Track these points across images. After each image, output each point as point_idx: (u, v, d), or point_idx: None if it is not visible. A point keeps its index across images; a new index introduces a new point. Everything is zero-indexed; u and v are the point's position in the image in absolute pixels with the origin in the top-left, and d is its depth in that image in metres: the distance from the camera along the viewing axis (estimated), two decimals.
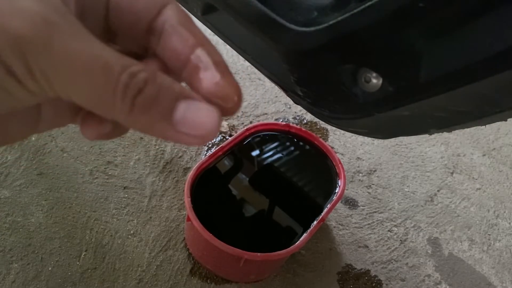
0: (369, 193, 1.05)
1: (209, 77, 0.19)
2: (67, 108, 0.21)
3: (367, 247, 0.94)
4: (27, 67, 0.15)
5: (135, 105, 0.16)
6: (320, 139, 0.91)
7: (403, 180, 1.11)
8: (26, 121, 0.20)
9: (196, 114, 0.17)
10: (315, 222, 0.76)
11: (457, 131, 1.28)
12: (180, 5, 0.21)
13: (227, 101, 0.19)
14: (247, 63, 1.27)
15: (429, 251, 0.97)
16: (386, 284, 0.89)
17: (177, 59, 0.19)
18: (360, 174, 1.08)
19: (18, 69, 0.15)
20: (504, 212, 1.11)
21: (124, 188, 0.89)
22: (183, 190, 0.83)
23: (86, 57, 0.15)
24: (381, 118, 0.39)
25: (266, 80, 0.95)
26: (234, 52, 0.53)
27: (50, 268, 0.75)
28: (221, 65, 0.19)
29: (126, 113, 0.16)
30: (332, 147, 1.10)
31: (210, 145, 1.02)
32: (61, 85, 0.16)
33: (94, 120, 0.19)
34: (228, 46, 0.52)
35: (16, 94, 0.16)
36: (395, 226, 1.00)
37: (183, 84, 0.20)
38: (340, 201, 0.99)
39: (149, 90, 0.17)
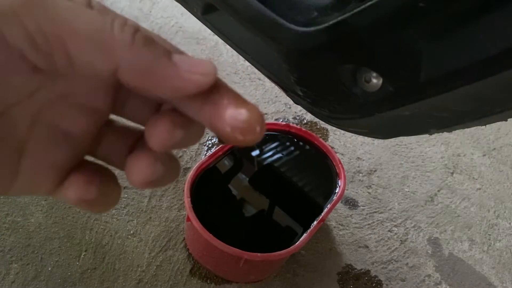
0: (369, 193, 1.05)
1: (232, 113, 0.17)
2: (49, 169, 0.20)
3: (367, 247, 0.94)
4: (29, 39, 0.16)
5: (136, 38, 0.17)
6: (320, 139, 0.91)
7: (403, 180, 1.11)
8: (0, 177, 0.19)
9: (193, 59, 0.17)
10: (315, 222, 0.76)
11: (457, 131, 1.28)
12: None
13: (249, 132, 0.17)
14: (247, 63, 1.27)
15: (429, 251, 0.97)
16: (386, 284, 0.89)
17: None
18: (360, 174, 1.08)
19: (22, 43, 0.16)
20: (505, 212, 1.11)
21: (124, 188, 0.89)
22: (183, 190, 0.83)
23: (79, 8, 0.16)
24: (381, 118, 0.39)
25: (266, 80, 0.95)
26: (234, 52, 0.53)
27: (49, 268, 0.75)
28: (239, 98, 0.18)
29: (129, 45, 0.16)
30: (332, 147, 1.10)
31: (210, 145, 1.02)
32: (59, 38, 0.16)
33: (145, 160, 0.19)
34: (228, 46, 0.52)
35: (16, 71, 0.16)
36: (395, 226, 1.00)
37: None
38: (340, 201, 0.99)
39: (145, 30, 0.17)
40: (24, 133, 0.19)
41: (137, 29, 0.17)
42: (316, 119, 1.13)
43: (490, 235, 1.05)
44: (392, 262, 0.93)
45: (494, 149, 1.27)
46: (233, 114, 0.17)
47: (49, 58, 0.16)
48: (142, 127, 0.21)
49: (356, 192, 1.04)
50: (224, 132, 0.17)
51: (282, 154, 0.89)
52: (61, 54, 0.16)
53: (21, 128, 0.18)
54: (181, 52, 0.18)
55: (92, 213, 0.84)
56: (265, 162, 0.87)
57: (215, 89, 0.17)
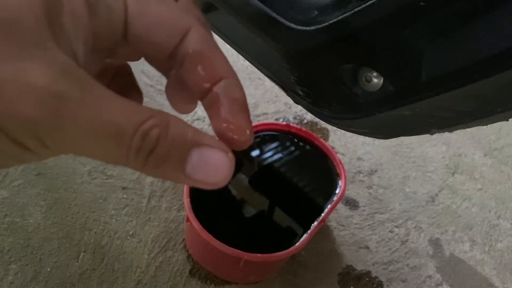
0: (370, 193, 1.04)
1: (224, 115, 0.20)
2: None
3: (368, 248, 0.94)
4: (39, 141, 0.16)
5: (148, 162, 0.17)
6: (321, 139, 0.91)
7: (404, 180, 1.10)
8: None
9: (209, 162, 0.18)
10: (315, 223, 0.75)
11: (458, 131, 1.27)
12: (205, 27, 0.20)
13: (234, 143, 0.20)
14: (247, 63, 1.27)
15: (430, 252, 0.97)
16: (387, 285, 0.89)
17: (199, 88, 0.20)
18: (361, 175, 1.08)
19: (30, 143, 0.16)
20: (506, 212, 1.11)
21: (123, 188, 0.88)
22: (182, 191, 0.83)
23: (98, 126, 0.16)
24: (382, 118, 0.39)
25: (266, 80, 0.94)
26: (234, 52, 0.53)
27: (48, 269, 0.75)
28: (239, 103, 0.20)
29: (140, 168, 0.17)
30: (333, 147, 1.09)
31: None
32: (74, 151, 0.16)
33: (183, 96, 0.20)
34: (228, 46, 0.51)
35: (23, 159, 0.17)
36: (396, 226, 1.00)
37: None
38: (340, 202, 0.98)
39: (161, 148, 0.17)
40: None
41: (153, 148, 0.17)
42: (317, 119, 1.13)
43: (491, 235, 1.04)
44: (393, 263, 0.93)
45: (496, 149, 1.27)
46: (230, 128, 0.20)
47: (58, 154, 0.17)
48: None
49: (357, 193, 1.04)
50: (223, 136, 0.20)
51: (282, 154, 0.89)
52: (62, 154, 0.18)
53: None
54: (200, 143, 0.19)
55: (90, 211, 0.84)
56: (265, 162, 0.87)
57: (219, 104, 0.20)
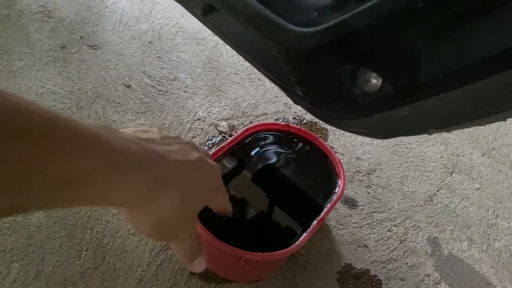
0: (368, 193, 1.05)
1: None
2: None
3: (367, 246, 0.94)
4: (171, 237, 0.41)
5: (190, 263, 0.44)
6: (320, 139, 0.91)
7: (403, 180, 1.11)
8: None
9: (200, 262, 0.41)
10: (314, 222, 0.76)
11: (456, 131, 1.28)
12: None
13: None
14: (247, 63, 1.27)
15: (429, 251, 0.98)
16: (386, 284, 0.89)
17: None
18: (360, 174, 1.08)
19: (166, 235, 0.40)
20: (504, 212, 1.11)
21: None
22: None
23: (187, 250, 0.43)
24: (381, 118, 0.40)
25: (266, 80, 0.95)
26: (234, 52, 0.53)
27: (50, 268, 0.75)
28: None
29: (184, 261, 0.43)
30: (332, 147, 1.10)
31: (210, 145, 1.02)
32: (171, 242, 0.43)
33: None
34: (228, 46, 0.52)
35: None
36: (395, 225, 1.00)
37: None
38: (339, 201, 0.99)
39: (196, 257, 0.45)
40: None
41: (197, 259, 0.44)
42: (316, 119, 1.14)
43: (489, 234, 1.05)
44: (391, 262, 0.93)
45: (493, 149, 1.27)
46: None
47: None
48: None
49: (356, 192, 1.04)
50: None
51: (282, 154, 0.89)
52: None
53: None
54: (200, 254, 0.45)
55: (93, 212, 0.84)
56: (265, 162, 0.87)
57: None
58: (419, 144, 1.21)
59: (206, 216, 0.71)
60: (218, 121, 1.09)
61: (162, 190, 0.33)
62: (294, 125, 0.93)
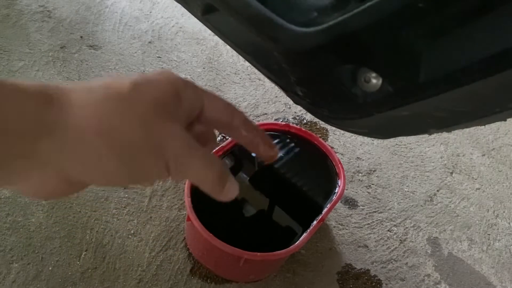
0: (368, 193, 1.05)
1: (262, 149, 0.34)
2: None
3: (367, 247, 0.94)
4: (176, 168, 0.27)
5: (216, 186, 0.29)
6: (320, 139, 0.91)
7: (403, 180, 1.11)
8: None
9: (232, 187, 0.30)
10: (315, 222, 0.76)
11: (456, 131, 1.28)
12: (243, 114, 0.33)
13: (271, 158, 0.35)
14: (247, 63, 1.27)
15: (429, 251, 0.98)
16: (386, 284, 0.89)
17: (246, 143, 0.34)
18: (360, 174, 1.08)
19: (172, 169, 0.27)
20: (504, 212, 1.11)
21: (124, 188, 0.89)
22: (183, 190, 0.83)
23: (202, 165, 0.28)
24: (381, 118, 0.40)
25: (266, 80, 0.95)
26: (234, 52, 0.53)
27: (50, 268, 0.75)
28: (268, 142, 0.34)
29: (210, 188, 0.29)
30: (332, 147, 1.10)
31: None
32: (185, 175, 0.28)
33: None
34: (228, 46, 0.52)
35: (161, 176, 0.28)
36: (395, 226, 1.00)
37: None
38: (340, 201, 0.99)
39: (224, 173, 0.30)
40: None
41: (226, 179, 0.30)
42: (316, 119, 1.13)
43: (489, 234, 1.05)
44: (391, 262, 0.93)
45: (493, 149, 1.27)
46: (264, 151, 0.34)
47: (174, 178, 0.29)
48: None
49: (356, 192, 1.04)
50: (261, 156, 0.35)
51: (282, 154, 0.89)
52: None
53: None
54: (230, 179, 0.31)
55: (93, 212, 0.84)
56: (265, 162, 0.87)
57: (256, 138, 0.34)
58: (419, 144, 1.21)
59: (206, 215, 0.71)
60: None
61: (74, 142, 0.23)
62: (294, 125, 0.93)
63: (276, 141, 0.91)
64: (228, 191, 0.30)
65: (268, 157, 0.35)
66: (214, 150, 0.83)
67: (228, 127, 0.33)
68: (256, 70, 0.51)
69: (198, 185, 0.29)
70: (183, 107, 0.29)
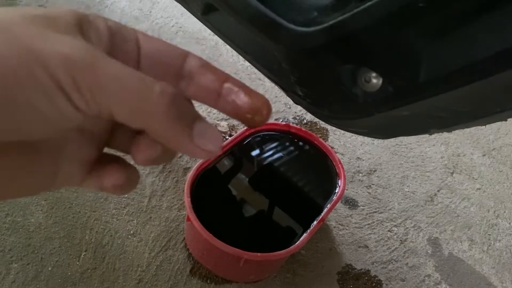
0: (369, 193, 1.05)
1: (241, 98, 0.22)
2: (81, 164, 0.24)
3: (367, 247, 0.94)
4: (75, 83, 0.18)
5: (171, 110, 0.19)
6: (320, 139, 0.91)
7: (403, 180, 1.11)
8: (43, 177, 0.22)
9: (209, 132, 0.21)
10: (315, 222, 0.76)
11: (457, 131, 1.28)
12: (197, 55, 0.25)
13: (258, 114, 0.23)
14: (247, 63, 1.27)
15: (429, 251, 0.97)
16: (386, 284, 0.89)
17: (209, 94, 0.23)
18: (360, 174, 1.08)
19: (67, 85, 0.18)
20: (504, 212, 1.11)
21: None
22: (183, 190, 0.83)
23: (125, 73, 0.19)
24: (381, 118, 0.39)
25: (266, 80, 0.95)
26: (234, 52, 0.53)
27: (50, 268, 0.75)
28: (247, 88, 0.23)
29: (161, 117, 0.19)
30: (332, 147, 1.10)
31: None
32: (104, 98, 0.19)
33: (145, 144, 0.22)
34: (228, 46, 0.52)
35: (62, 109, 0.19)
36: (395, 226, 1.00)
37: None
38: (340, 201, 0.99)
39: (179, 103, 0.20)
40: (62, 143, 0.23)
41: (174, 98, 0.19)
42: (316, 119, 1.13)
43: (490, 235, 1.05)
44: (392, 262, 0.93)
45: (494, 149, 1.27)
46: (246, 103, 0.22)
47: (99, 116, 0.19)
48: None
49: (356, 192, 1.04)
50: (242, 116, 0.22)
51: (282, 154, 0.89)
52: (108, 115, 0.19)
53: (60, 141, 0.23)
54: (201, 117, 0.22)
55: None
56: (265, 162, 0.87)
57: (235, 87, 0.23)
58: (420, 144, 1.21)
59: (206, 215, 0.71)
60: (218, 121, 1.09)
61: None
62: (294, 125, 0.93)
63: (276, 141, 0.91)
64: (202, 134, 0.20)
65: (254, 111, 0.22)
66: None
67: (179, 75, 0.23)
68: (256, 70, 0.51)
69: (144, 127, 0.20)
70: (94, 27, 0.21)
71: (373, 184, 1.07)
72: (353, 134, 1.16)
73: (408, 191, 1.08)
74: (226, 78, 0.23)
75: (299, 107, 0.57)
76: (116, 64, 0.19)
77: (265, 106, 0.22)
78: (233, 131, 1.06)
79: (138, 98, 0.19)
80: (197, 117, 0.21)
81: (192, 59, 0.24)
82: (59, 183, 0.23)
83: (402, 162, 1.15)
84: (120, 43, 0.22)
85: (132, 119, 0.19)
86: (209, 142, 0.21)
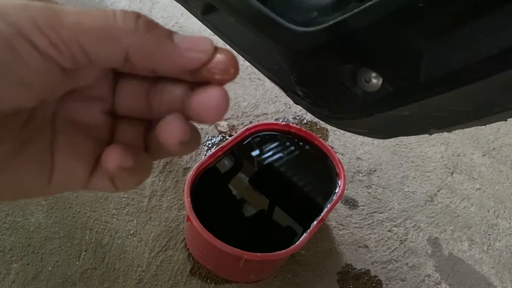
0: (369, 193, 1.05)
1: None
2: (79, 160, 0.22)
3: (367, 247, 0.94)
4: (36, 25, 0.18)
5: (138, 25, 0.19)
6: (320, 139, 0.91)
7: (403, 180, 1.11)
8: (39, 173, 0.21)
9: (192, 37, 0.21)
10: (315, 222, 0.76)
11: (457, 131, 1.28)
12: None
13: (225, 72, 0.22)
14: (247, 63, 1.27)
15: (429, 251, 0.97)
16: (386, 284, 0.89)
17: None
18: (360, 174, 1.08)
19: (29, 29, 0.18)
20: (504, 212, 1.11)
21: None
22: (183, 190, 0.83)
23: (82, 9, 0.19)
24: (381, 118, 0.39)
25: (266, 80, 0.95)
26: (235, 53, 0.53)
27: (50, 268, 0.75)
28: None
29: (133, 32, 0.19)
30: (332, 147, 1.10)
31: (210, 145, 1.02)
32: (69, 32, 0.18)
33: (117, 150, 0.21)
34: (228, 46, 0.52)
35: (26, 57, 0.18)
36: (395, 226, 1.00)
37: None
38: (340, 201, 0.99)
39: (146, 17, 0.20)
40: (49, 130, 0.21)
41: (138, 15, 0.19)
42: (316, 119, 1.13)
43: (490, 235, 1.05)
44: (392, 262, 0.93)
45: (494, 149, 1.27)
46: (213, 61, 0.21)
47: (73, 59, 0.19)
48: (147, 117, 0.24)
49: (356, 192, 1.04)
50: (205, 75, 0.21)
51: (282, 154, 0.89)
52: (81, 54, 0.19)
53: (45, 126, 0.21)
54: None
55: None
56: (265, 162, 0.87)
57: None
58: (420, 144, 1.21)
59: (206, 215, 0.71)
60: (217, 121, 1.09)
61: None
62: (294, 125, 0.93)
63: (276, 141, 0.91)
64: (184, 39, 0.20)
65: (219, 63, 0.21)
66: (214, 150, 0.83)
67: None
68: (256, 70, 0.51)
69: (121, 51, 0.19)
70: None
71: (373, 184, 1.07)
72: (353, 134, 1.16)
73: (408, 191, 1.08)
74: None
75: (299, 107, 0.57)
76: (72, 7, 0.19)
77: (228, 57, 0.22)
78: (233, 131, 1.06)
79: (104, 23, 0.19)
80: (173, 32, 0.21)
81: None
82: (59, 182, 0.22)
83: (402, 162, 1.15)
84: None
85: (105, 48, 0.19)
86: (195, 43, 0.21)
